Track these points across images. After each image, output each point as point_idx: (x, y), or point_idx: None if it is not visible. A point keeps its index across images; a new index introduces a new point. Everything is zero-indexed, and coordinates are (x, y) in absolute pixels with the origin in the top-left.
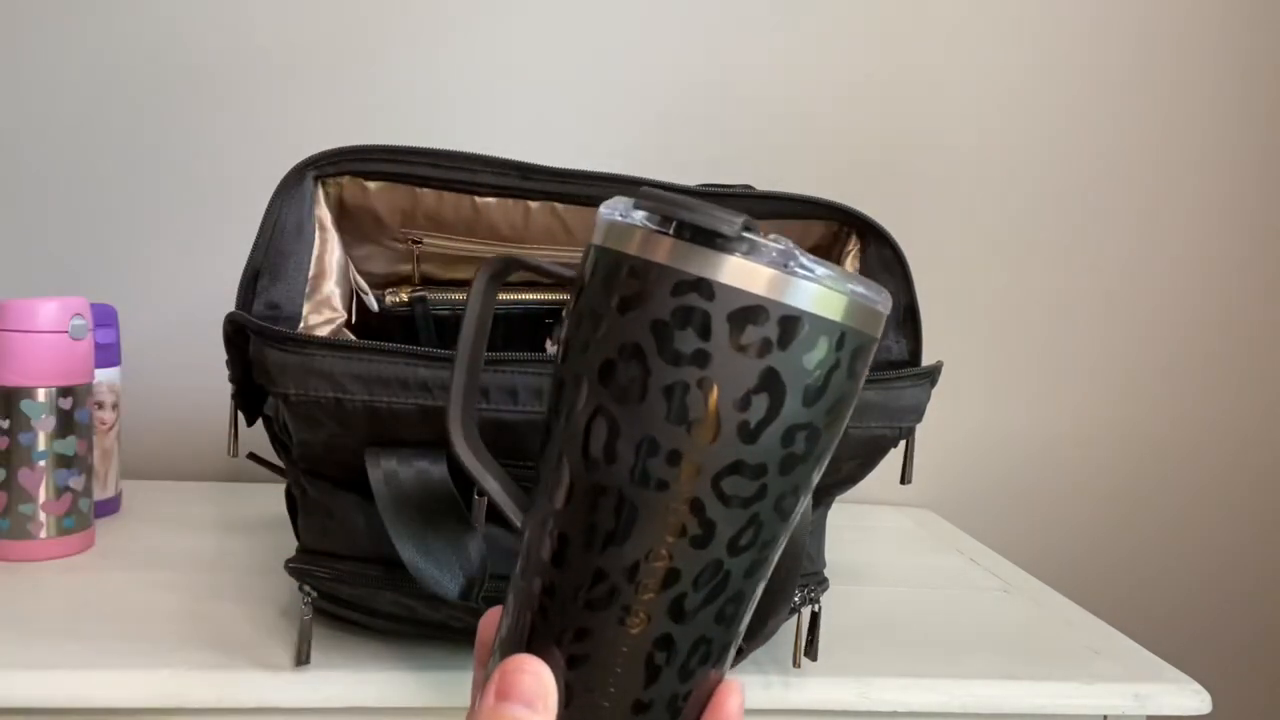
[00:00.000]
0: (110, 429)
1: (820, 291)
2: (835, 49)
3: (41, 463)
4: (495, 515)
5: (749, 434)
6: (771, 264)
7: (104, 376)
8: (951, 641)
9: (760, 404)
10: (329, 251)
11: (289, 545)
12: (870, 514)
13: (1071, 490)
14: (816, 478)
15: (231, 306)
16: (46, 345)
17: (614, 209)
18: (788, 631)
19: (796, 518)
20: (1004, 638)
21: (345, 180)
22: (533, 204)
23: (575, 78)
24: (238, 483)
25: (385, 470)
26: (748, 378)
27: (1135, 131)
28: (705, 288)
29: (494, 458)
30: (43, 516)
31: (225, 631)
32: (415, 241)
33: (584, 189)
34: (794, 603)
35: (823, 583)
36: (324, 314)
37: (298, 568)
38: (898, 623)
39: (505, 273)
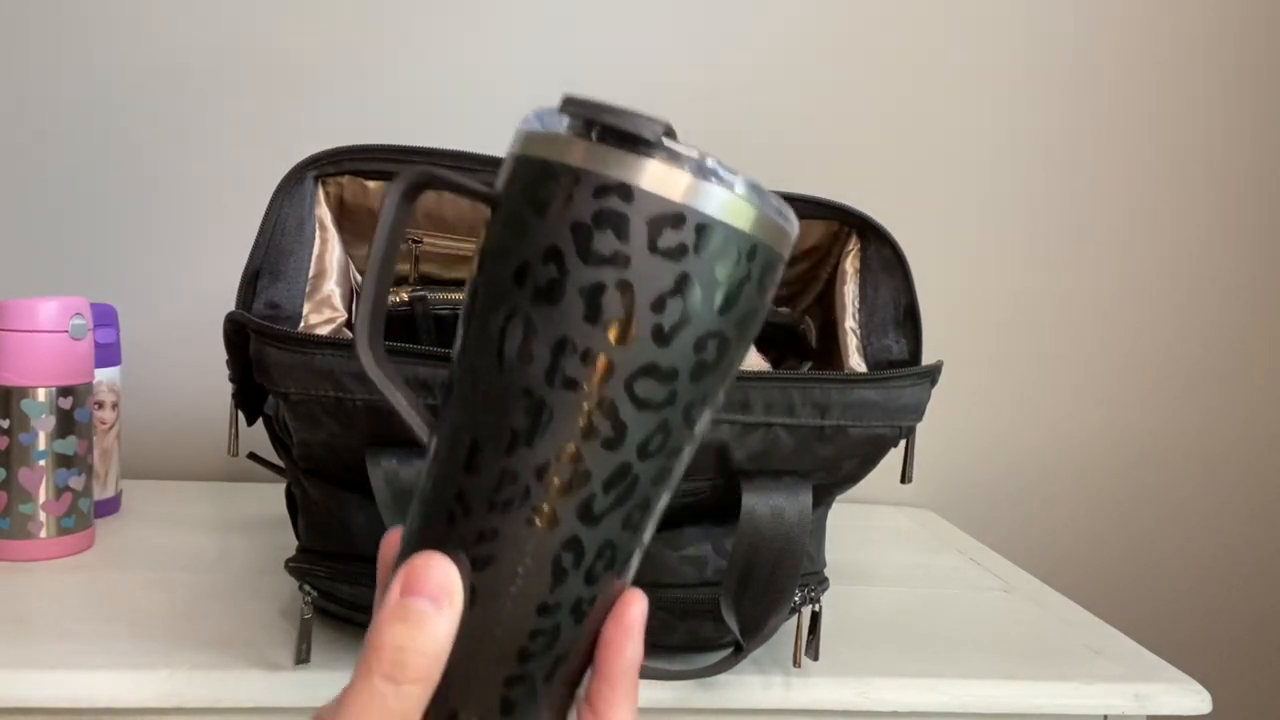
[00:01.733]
0: (110, 429)
1: (735, 202)
2: (835, 47)
3: (41, 463)
4: None
5: (663, 337)
6: (691, 171)
7: (104, 376)
8: (951, 641)
9: (675, 308)
10: (329, 251)
11: (289, 545)
12: (870, 514)
13: (1072, 490)
14: (722, 394)
15: (231, 306)
16: (46, 345)
17: (536, 118)
18: (788, 631)
19: (700, 431)
20: (1004, 638)
21: (345, 180)
22: None
23: (574, 77)
24: (238, 483)
25: (385, 470)
26: (663, 281)
27: (1134, 133)
28: (625, 191)
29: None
30: (43, 516)
31: (225, 631)
32: (415, 241)
33: None
34: (794, 603)
35: (823, 582)
36: (324, 313)
37: (298, 567)
38: (898, 623)
39: (418, 189)
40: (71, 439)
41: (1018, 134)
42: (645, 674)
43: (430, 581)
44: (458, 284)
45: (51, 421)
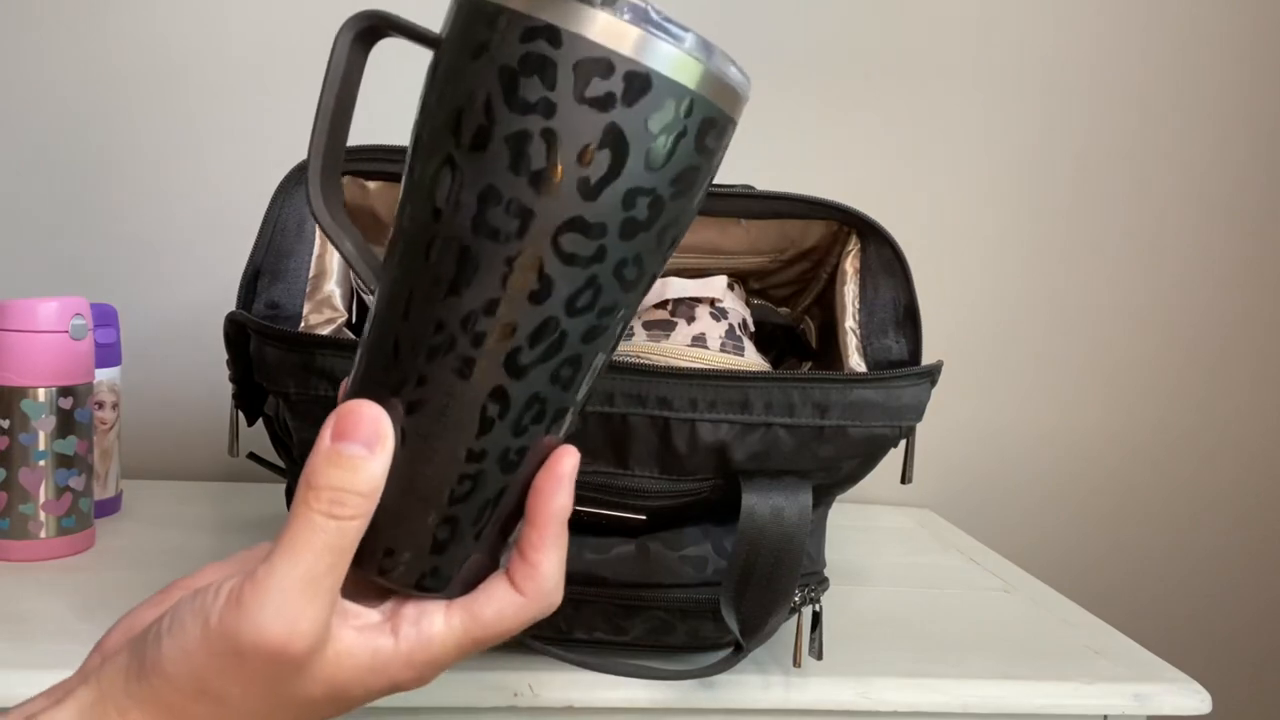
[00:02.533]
0: (110, 429)
1: (672, 53)
2: (836, 47)
3: (41, 463)
4: None
5: (589, 190)
6: (625, 18)
7: (104, 376)
8: (951, 641)
9: (602, 160)
10: (329, 251)
11: None
12: (870, 514)
13: (1072, 490)
14: (663, 254)
15: (232, 306)
16: (46, 345)
17: None
18: (788, 631)
19: (639, 292)
20: (1004, 638)
21: (345, 180)
22: None
23: None
24: (238, 483)
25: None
26: (590, 132)
27: (1133, 134)
28: (553, 35)
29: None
30: (43, 516)
31: None
32: None
33: None
34: (794, 602)
35: (823, 582)
36: (324, 313)
37: None
38: (898, 623)
39: (372, 34)
40: (71, 439)
41: (1017, 134)
42: (647, 674)
43: (362, 428)
44: None
45: (51, 421)
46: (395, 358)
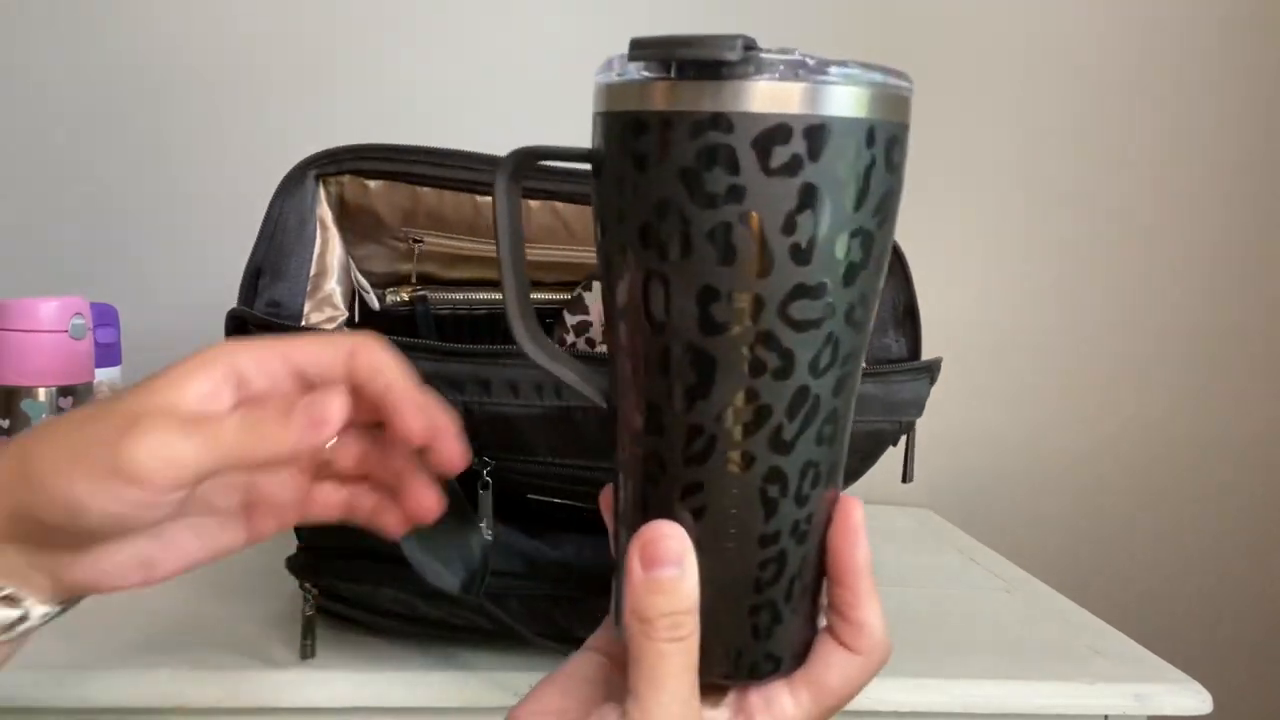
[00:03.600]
0: None
1: (841, 93)
2: (835, 47)
3: None
4: (501, 511)
5: (802, 255)
6: (784, 78)
7: (104, 376)
8: (951, 641)
9: (806, 222)
10: (330, 250)
11: (289, 543)
12: (870, 514)
13: (1072, 490)
14: (881, 281)
15: (232, 305)
16: (46, 345)
17: (608, 70)
18: None
19: (870, 324)
20: (1004, 638)
21: (346, 179)
22: (533, 203)
23: (574, 76)
24: None
25: None
26: (787, 200)
27: (1131, 134)
28: (723, 121)
29: (498, 452)
30: None
31: (226, 631)
32: (416, 241)
33: (584, 188)
34: None
35: None
36: (325, 312)
37: (298, 565)
38: (897, 622)
39: (523, 167)
40: None
41: (1016, 134)
42: None
43: (667, 550)
44: (458, 284)
45: None
46: (663, 471)
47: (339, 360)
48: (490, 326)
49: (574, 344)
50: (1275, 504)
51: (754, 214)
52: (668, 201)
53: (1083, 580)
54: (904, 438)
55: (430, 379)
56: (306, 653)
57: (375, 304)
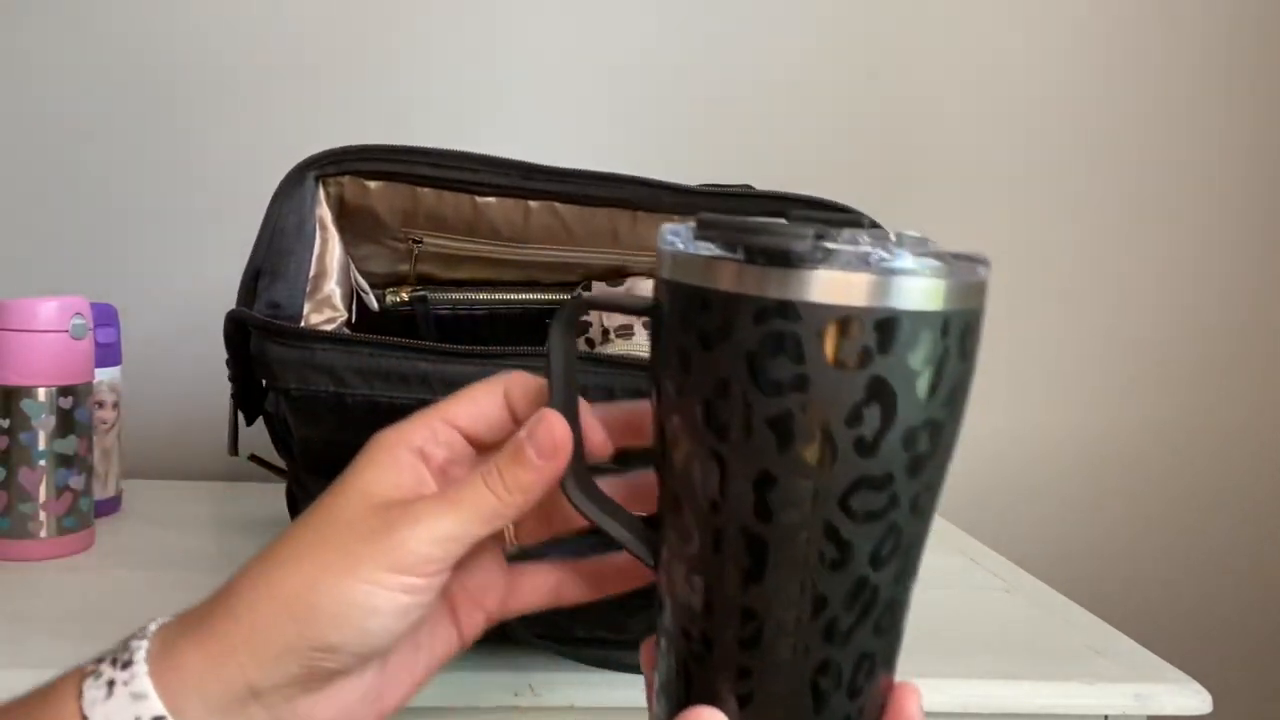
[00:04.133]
0: (111, 429)
1: (912, 285)
2: (834, 45)
3: (42, 462)
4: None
5: (866, 448)
6: (854, 268)
7: (104, 376)
8: (952, 641)
9: (872, 415)
10: (330, 251)
11: None
12: None
13: (1073, 490)
14: (949, 466)
15: (232, 306)
16: (46, 345)
17: (676, 239)
18: None
19: (935, 508)
20: (1004, 638)
21: (346, 180)
22: (533, 204)
23: (575, 76)
24: (238, 482)
25: None
26: (853, 392)
27: (1130, 133)
28: (789, 310)
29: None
30: (43, 516)
31: None
32: (416, 241)
33: (584, 188)
34: None
35: None
36: (325, 313)
37: None
38: None
39: (577, 315)
40: (71, 439)
41: (1015, 135)
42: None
43: None
44: (457, 284)
45: (51, 421)
46: (709, 652)
47: (498, 402)
48: (490, 326)
49: None
50: (1275, 504)
51: (817, 404)
52: (729, 383)
53: (1083, 580)
54: None
55: (430, 380)
56: None
57: (374, 305)
